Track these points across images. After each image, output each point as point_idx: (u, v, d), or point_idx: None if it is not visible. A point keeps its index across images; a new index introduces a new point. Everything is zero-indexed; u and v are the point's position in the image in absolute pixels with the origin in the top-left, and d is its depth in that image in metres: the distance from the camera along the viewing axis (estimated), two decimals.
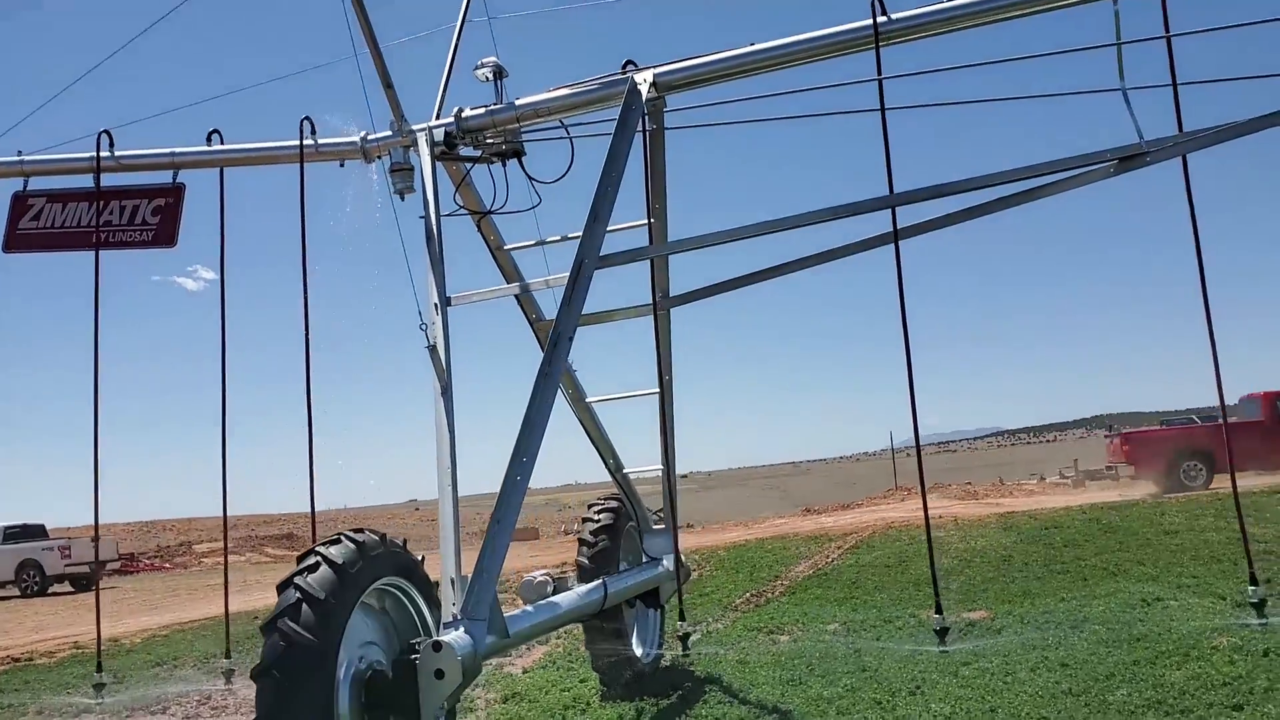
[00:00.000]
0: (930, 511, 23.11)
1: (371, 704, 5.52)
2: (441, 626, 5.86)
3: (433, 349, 6.95)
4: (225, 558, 8.70)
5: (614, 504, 9.68)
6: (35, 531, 36.55)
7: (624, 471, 9.45)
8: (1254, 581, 6.62)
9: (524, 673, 10.57)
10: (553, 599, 7.28)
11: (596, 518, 9.55)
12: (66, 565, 35.42)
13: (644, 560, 9.53)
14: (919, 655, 8.88)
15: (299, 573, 5.31)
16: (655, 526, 9.72)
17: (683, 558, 9.64)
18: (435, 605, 6.06)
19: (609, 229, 8.44)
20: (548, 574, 7.70)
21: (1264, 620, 6.67)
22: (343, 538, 5.60)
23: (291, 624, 5.02)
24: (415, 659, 5.48)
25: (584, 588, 7.76)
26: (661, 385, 9.09)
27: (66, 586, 36.01)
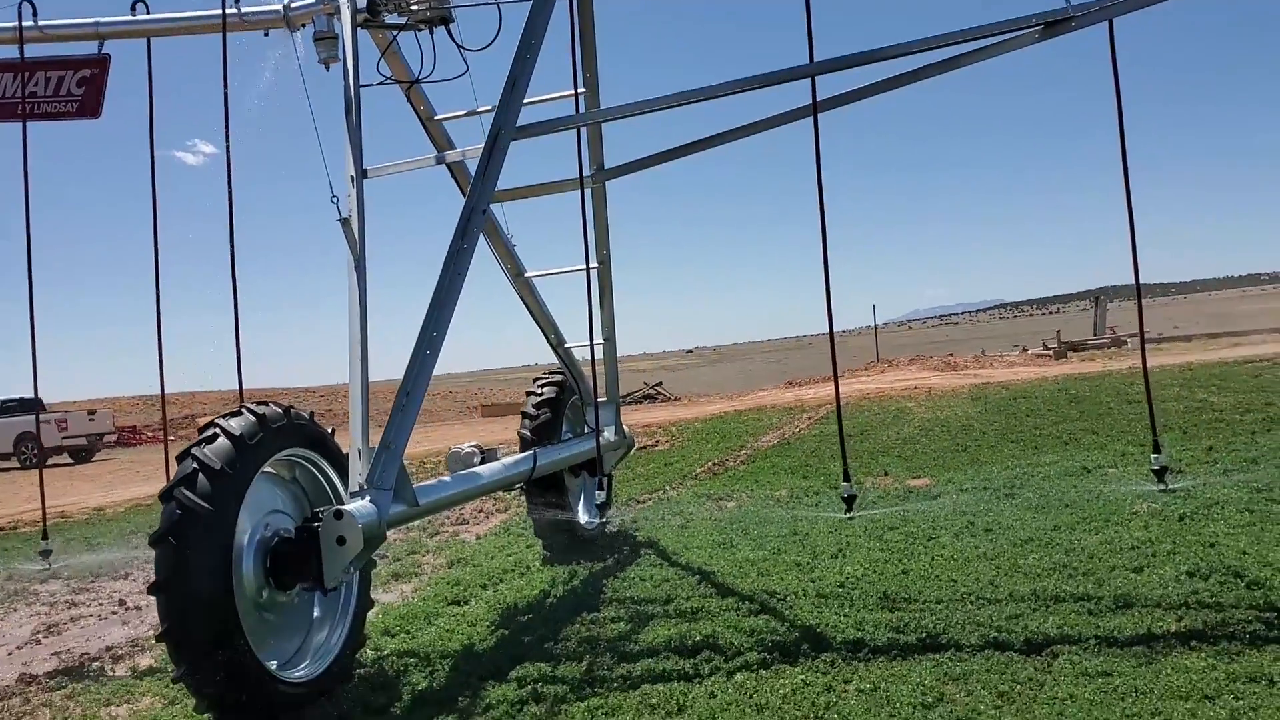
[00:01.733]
0: (907, 383, 23.47)
1: (278, 570, 5.72)
2: (349, 496, 6.03)
3: (345, 222, 6.93)
4: (165, 438, 8.81)
5: (557, 378, 9.81)
6: (31, 405, 37.04)
7: (565, 346, 9.53)
8: (1156, 449, 6.77)
9: (476, 539, 10.86)
10: (475, 469, 7.44)
11: (539, 391, 9.69)
12: (64, 438, 36.06)
13: (586, 432, 9.68)
14: (854, 520, 9.08)
15: (197, 444, 5.45)
16: (600, 399, 9.84)
17: (627, 429, 9.84)
18: (348, 477, 6.21)
19: (536, 99, 8.38)
20: (476, 445, 7.85)
21: (1163, 487, 6.84)
22: (244, 410, 5.73)
23: (187, 493, 5.17)
24: (318, 526, 5.64)
25: (511, 458, 7.93)
26: (600, 260, 9.14)
27: (66, 459, 36.71)
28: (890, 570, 7.54)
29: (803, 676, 5.51)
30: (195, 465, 5.29)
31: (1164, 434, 12.52)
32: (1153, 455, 6.76)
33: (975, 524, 8.76)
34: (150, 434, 48.90)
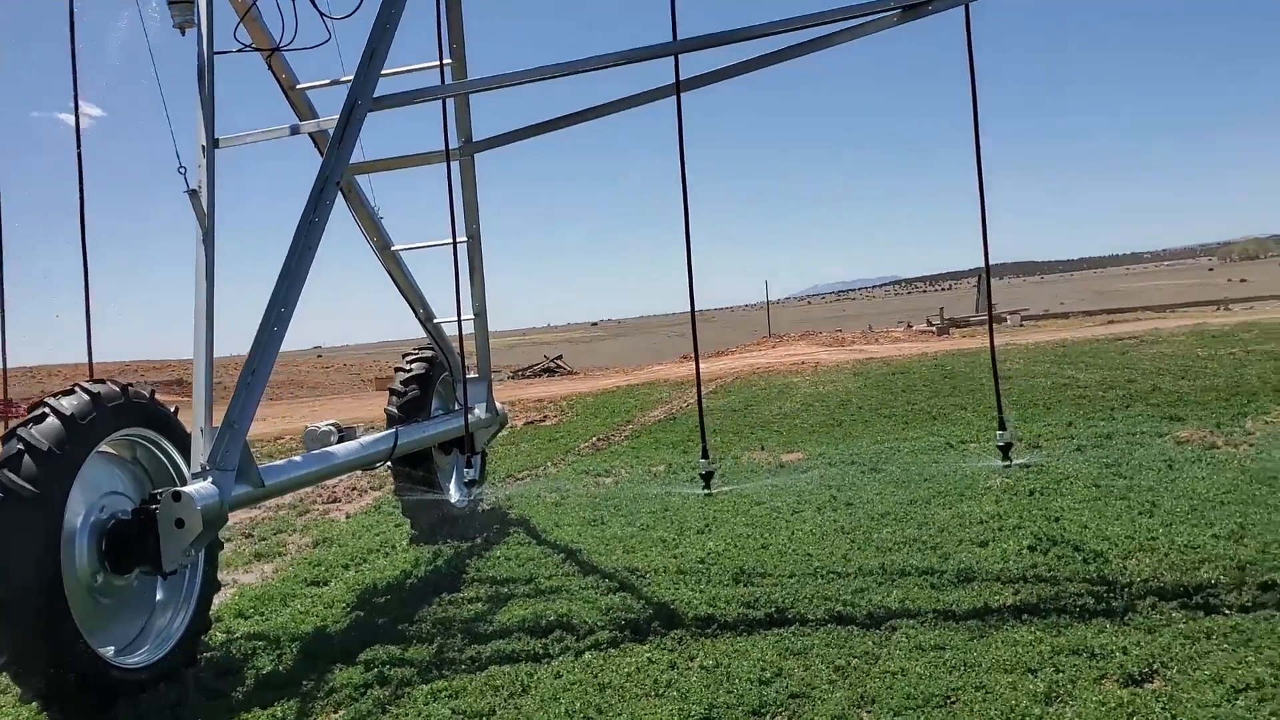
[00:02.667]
0: (795, 358, 23.72)
1: (114, 552, 5.54)
2: (191, 477, 5.86)
3: (194, 193, 6.71)
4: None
5: (427, 354, 9.67)
6: None
7: (435, 321, 9.39)
8: (1002, 426, 6.94)
9: (346, 519, 10.69)
10: (330, 449, 7.30)
11: (408, 367, 9.55)
12: None
13: (456, 409, 9.57)
14: (722, 496, 9.17)
15: (24, 423, 5.24)
16: (470, 375, 9.73)
17: (498, 405, 9.74)
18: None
19: (399, 70, 8.21)
20: (334, 424, 7.70)
21: (1007, 463, 7.02)
22: (77, 388, 5.52)
23: (11, 474, 4.98)
24: (155, 509, 5.47)
25: (369, 437, 7.80)
26: (469, 234, 9.01)
27: None
28: (751, 545, 7.63)
29: (649, 654, 5.55)
30: (21, 446, 5.08)
31: (1029, 409, 13.00)
32: (998, 432, 6.94)
33: (838, 498, 8.92)
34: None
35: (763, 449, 12.47)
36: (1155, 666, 4.77)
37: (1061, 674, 4.76)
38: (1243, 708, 4.25)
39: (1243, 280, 73.93)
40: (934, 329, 32.07)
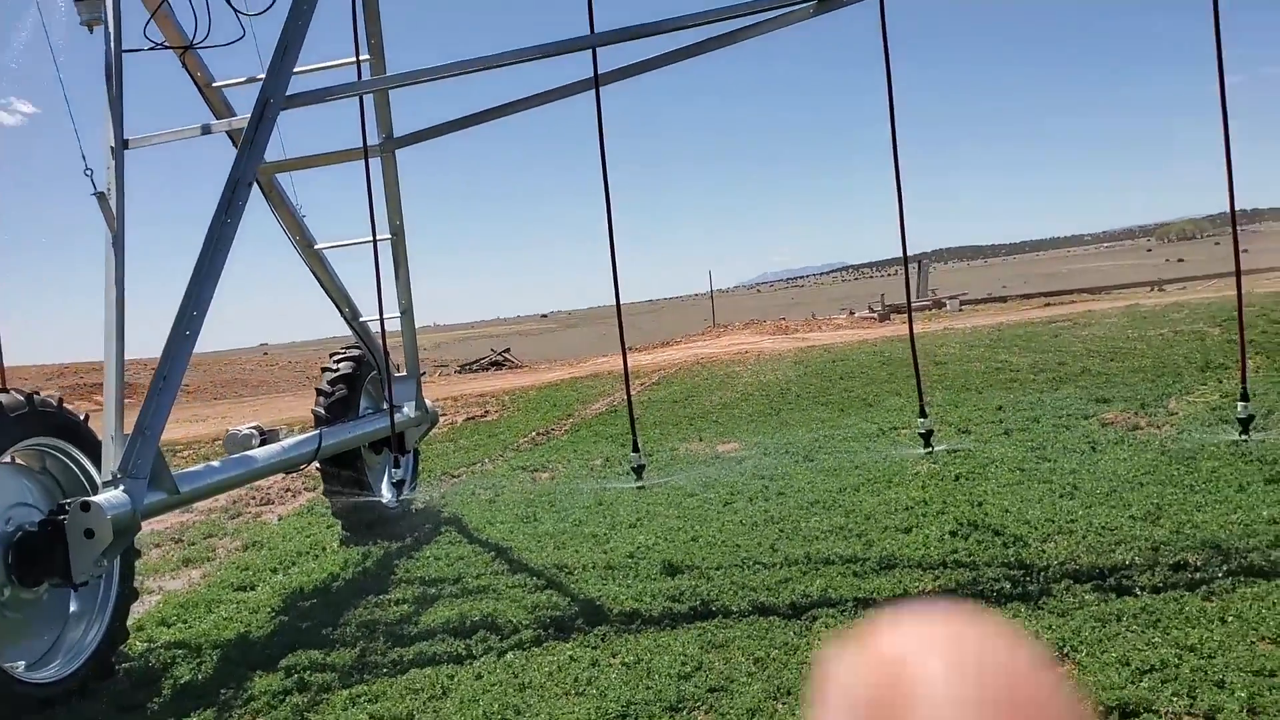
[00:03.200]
0: (739, 347, 23.73)
1: (22, 565, 5.42)
2: (102, 486, 5.75)
3: (102, 196, 6.56)
4: None
5: (355, 353, 9.56)
6: None
7: (361, 320, 9.29)
8: (922, 414, 7.01)
9: (278, 520, 10.55)
10: (250, 452, 7.20)
11: (335, 367, 9.44)
12: None
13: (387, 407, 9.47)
14: (655, 489, 9.18)
15: None
16: (398, 374, 9.64)
17: (428, 403, 9.66)
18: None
19: (315, 67, 8.10)
20: (255, 426, 7.59)
21: (929, 449, 7.11)
22: None
23: None
24: (64, 519, 5.36)
25: (291, 440, 7.70)
26: (393, 231, 8.93)
27: None
28: (681, 538, 7.64)
29: (571, 652, 5.54)
30: None
31: (962, 393, 13.15)
32: (919, 420, 7.01)
33: (770, 488, 8.96)
34: None
35: (700, 439, 12.50)
36: (1066, 650, 4.85)
37: None
38: (1146, 689, 4.33)
39: (1180, 260, 75.47)
40: (876, 315, 32.34)
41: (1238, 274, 6.79)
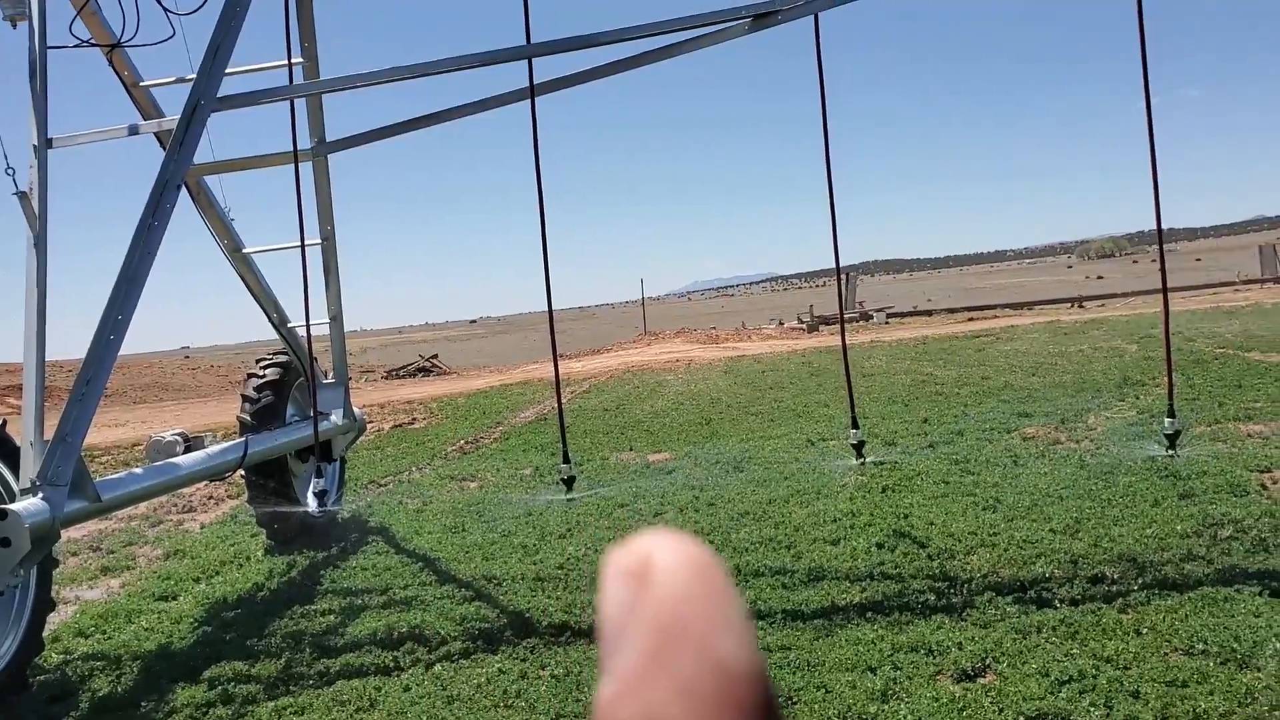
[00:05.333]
0: (671, 355, 23.84)
1: None
2: (20, 494, 5.60)
3: (24, 196, 6.39)
4: None
5: (282, 359, 9.42)
6: None
7: (289, 325, 9.16)
8: (855, 425, 7.12)
9: (201, 529, 10.34)
10: (174, 460, 7.06)
11: (262, 373, 9.29)
12: None
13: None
14: (583, 500, 9.17)
15: None
16: (326, 381, 9.52)
17: (356, 410, 9.56)
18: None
19: (247, 69, 7.98)
20: (180, 433, 7.45)
21: (861, 460, 7.22)
22: None
23: None
24: None
25: (217, 447, 7.57)
26: (324, 236, 8.83)
27: None
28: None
29: (500, 664, 5.52)
30: None
31: (889, 406, 13.36)
32: (851, 431, 7.11)
33: (700, 498, 9.02)
34: None
35: (631, 449, 12.53)
36: (988, 661, 4.95)
37: (899, 671, 4.91)
38: (1064, 699, 4.44)
39: (1099, 278, 77.39)
40: (804, 326, 32.70)
41: (1164, 293, 7.00)
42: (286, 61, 7.68)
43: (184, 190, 7.87)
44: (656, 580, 0.38)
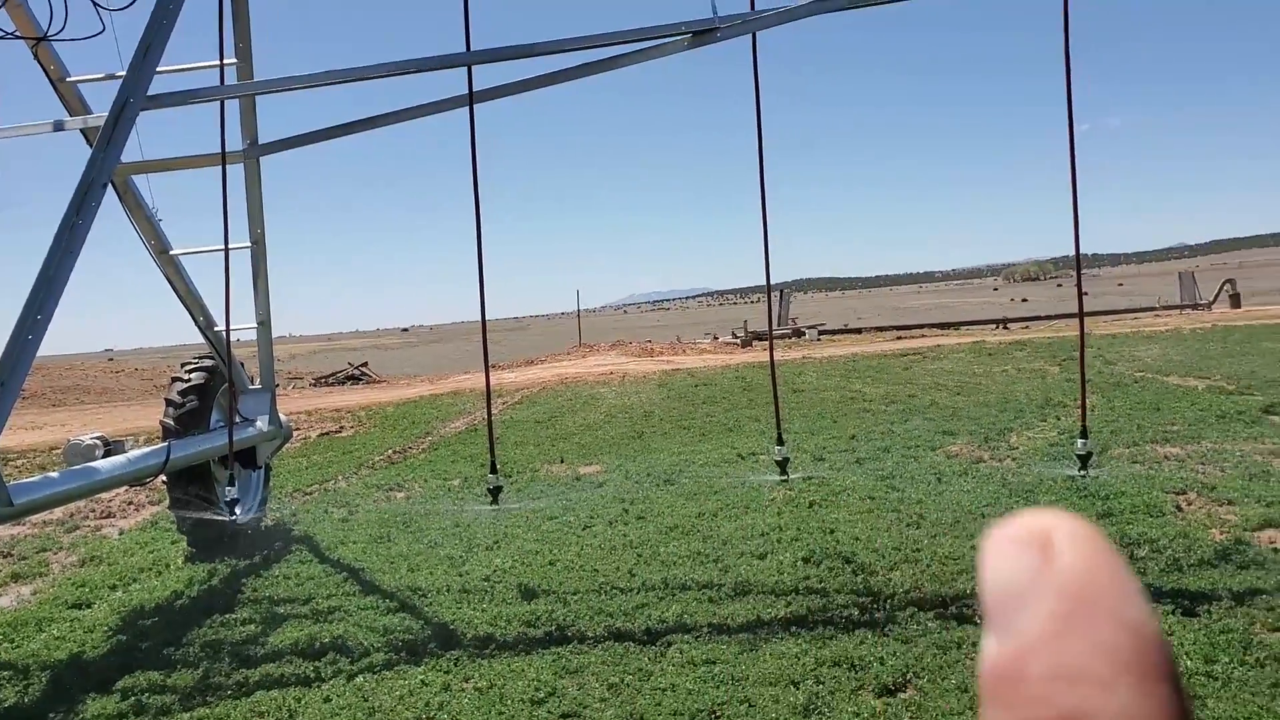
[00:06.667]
0: (604, 368, 23.77)
1: None
2: None
3: None
4: None
5: (208, 363, 9.25)
6: None
7: (216, 329, 8.99)
8: (780, 441, 7.19)
9: (119, 535, 10.10)
10: (93, 464, 6.89)
11: (187, 377, 9.11)
12: None
13: (239, 421, 9.18)
14: (514, 512, 9.13)
15: None
16: (252, 386, 9.37)
17: (282, 417, 9.42)
18: None
19: (178, 68, 7.86)
20: (99, 436, 7.28)
21: (784, 477, 7.29)
22: None
23: None
24: None
25: (138, 452, 7.41)
26: (254, 239, 8.71)
27: None
28: (539, 561, 7.62)
29: (423, 676, 5.46)
30: None
31: (818, 421, 13.50)
32: (776, 448, 7.19)
33: (630, 511, 9.02)
34: None
35: (562, 461, 12.49)
36: (909, 676, 5.03)
37: (822, 685, 4.96)
38: None
39: (1024, 300, 79.10)
40: (738, 341, 32.91)
41: (1080, 316, 7.19)
42: (219, 61, 7.58)
43: (111, 189, 7.74)
44: (1061, 551, 0.40)
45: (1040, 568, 0.40)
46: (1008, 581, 0.41)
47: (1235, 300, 34.04)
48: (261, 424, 8.94)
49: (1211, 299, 35.18)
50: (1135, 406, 12.69)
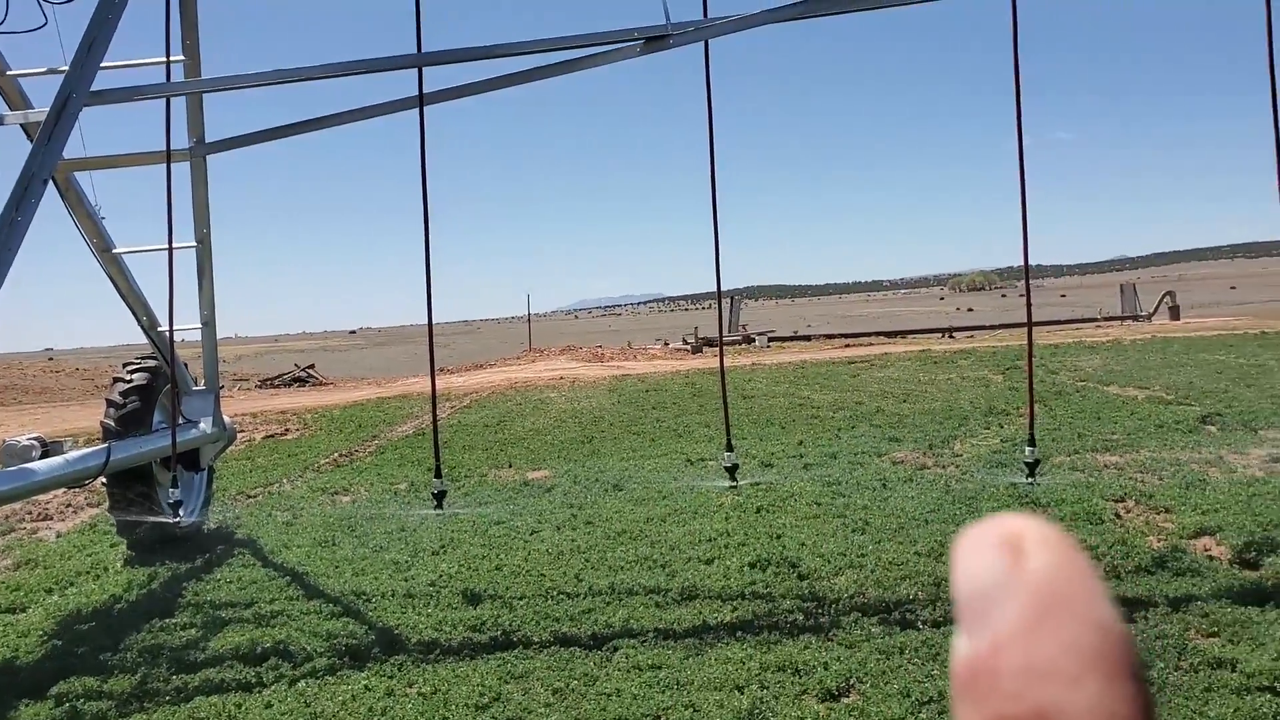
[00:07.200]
0: (553, 372, 23.72)
1: None
2: None
3: None
4: None
5: (150, 364, 9.11)
6: None
7: (159, 329, 8.86)
8: (729, 448, 7.23)
9: (56, 537, 9.90)
10: (30, 465, 6.76)
11: (129, 378, 8.96)
12: None
13: (182, 423, 9.05)
14: (459, 516, 9.09)
15: None
16: (194, 388, 9.24)
17: (226, 419, 9.31)
18: None
19: (124, 64, 7.75)
20: (37, 437, 7.14)
21: (734, 483, 7.33)
22: None
23: None
24: None
25: (77, 453, 7.27)
26: (199, 238, 8.60)
27: None
28: (485, 567, 7.59)
29: (367, 681, 5.42)
30: None
31: (767, 428, 13.58)
32: (725, 454, 7.22)
33: (578, 516, 9.01)
34: None
35: (510, 466, 12.45)
36: (852, 681, 5.08)
37: (766, 690, 4.99)
38: None
39: (969, 310, 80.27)
40: (689, 347, 33.03)
41: (1029, 327, 7.31)
42: (166, 58, 7.48)
43: (52, 186, 7.59)
44: (1032, 553, 0.42)
45: (1012, 569, 0.41)
46: (980, 582, 0.42)
47: (1175, 312, 34.79)
48: (205, 426, 8.82)
49: (1152, 311, 35.92)
50: (1076, 415, 12.92)
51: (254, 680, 5.55)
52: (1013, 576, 0.41)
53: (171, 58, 7.55)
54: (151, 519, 8.50)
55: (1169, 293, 36.41)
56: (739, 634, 5.80)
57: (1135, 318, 35.75)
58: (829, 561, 7.10)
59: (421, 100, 7.10)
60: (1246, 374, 16.23)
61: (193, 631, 6.50)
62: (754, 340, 34.45)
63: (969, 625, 0.41)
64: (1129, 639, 0.40)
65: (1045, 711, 0.38)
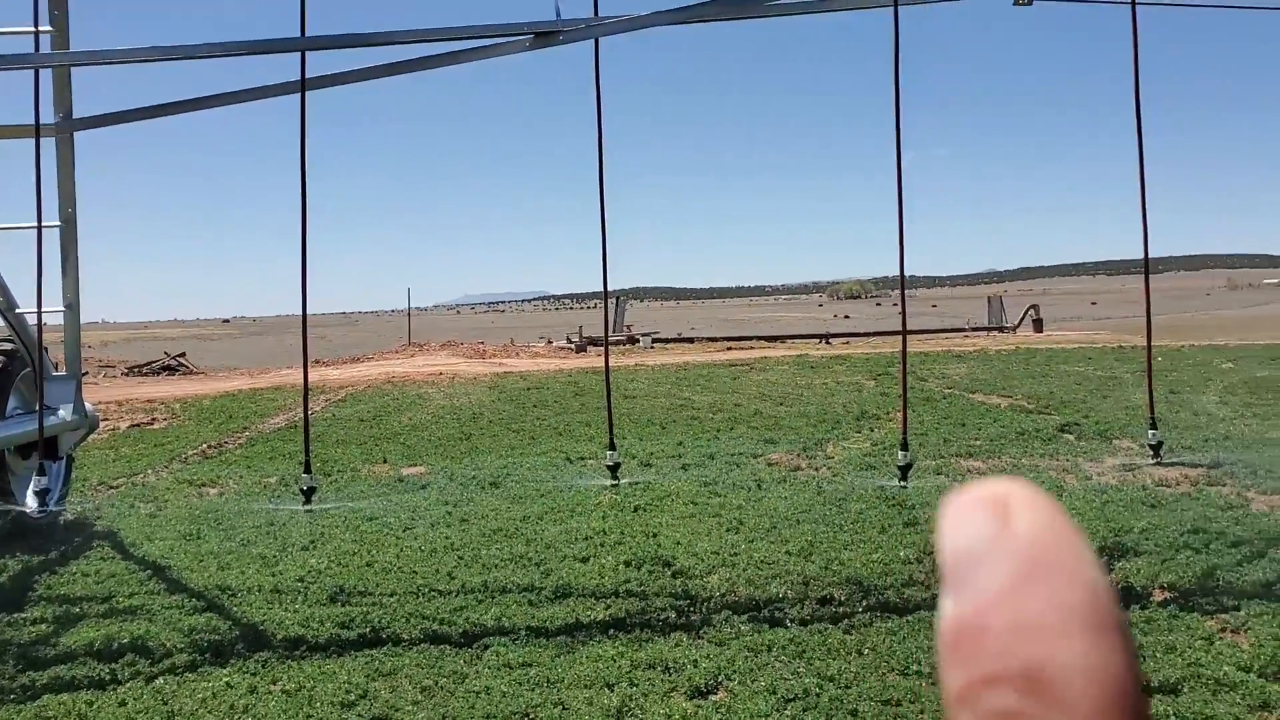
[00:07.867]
0: (433, 367, 23.36)
1: None
2: None
3: None
4: None
5: (7, 347, 8.70)
6: None
7: (17, 311, 8.47)
8: (612, 447, 7.28)
9: None
10: None
11: None
12: None
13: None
14: (330, 512, 8.92)
15: None
16: (55, 373, 8.86)
17: (88, 406, 8.95)
18: None
19: None
20: None
21: (615, 482, 7.38)
22: None
23: None
24: None
25: None
26: (63, 219, 8.26)
27: None
28: (355, 563, 7.46)
29: (229, 678, 5.28)
30: None
31: (648, 428, 13.67)
32: (608, 452, 7.26)
33: (454, 514, 8.93)
34: None
35: (386, 461, 12.26)
36: (720, 679, 5.15)
37: (636, 688, 5.03)
38: (789, 717, 4.68)
39: (846, 317, 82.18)
40: (573, 346, 32.99)
41: (904, 335, 7.53)
42: (34, 28, 7.16)
43: None
44: (1019, 515, 0.43)
45: (999, 531, 0.42)
46: (968, 544, 0.43)
47: (1038, 325, 36.17)
48: (65, 413, 8.46)
49: (1017, 323, 37.28)
50: (942, 421, 13.34)
51: (108, 677, 5.36)
52: (1000, 537, 0.42)
53: (40, 28, 7.24)
54: (4, 507, 8.13)
55: (1034, 306, 37.79)
56: (611, 632, 5.83)
57: (1001, 329, 37.05)
58: (702, 560, 7.19)
59: (304, 85, 6.95)
60: (1103, 385, 17.00)
61: (43, 627, 6.23)
62: (638, 341, 34.61)
63: (956, 586, 0.42)
64: (1113, 597, 0.41)
65: (1034, 666, 0.39)
